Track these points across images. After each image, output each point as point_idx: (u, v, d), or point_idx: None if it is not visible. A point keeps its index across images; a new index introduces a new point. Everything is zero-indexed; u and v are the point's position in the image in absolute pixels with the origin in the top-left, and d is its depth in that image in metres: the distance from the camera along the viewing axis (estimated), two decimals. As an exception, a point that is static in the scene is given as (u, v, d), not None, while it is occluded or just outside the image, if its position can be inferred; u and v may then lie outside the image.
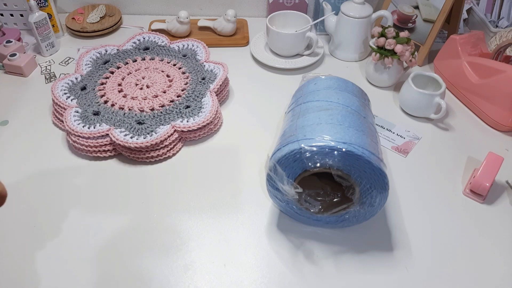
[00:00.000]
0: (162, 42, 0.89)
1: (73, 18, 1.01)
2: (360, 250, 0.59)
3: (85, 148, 0.69)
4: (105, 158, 0.71)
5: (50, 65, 0.91)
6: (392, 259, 0.58)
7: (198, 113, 0.74)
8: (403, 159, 0.73)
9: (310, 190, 0.59)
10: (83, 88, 0.78)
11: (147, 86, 0.79)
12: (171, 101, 0.76)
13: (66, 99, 0.75)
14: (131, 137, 0.69)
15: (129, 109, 0.74)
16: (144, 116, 0.73)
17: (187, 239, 0.60)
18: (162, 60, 0.85)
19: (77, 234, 0.60)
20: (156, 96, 0.77)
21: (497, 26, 1.00)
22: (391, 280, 0.56)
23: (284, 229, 0.62)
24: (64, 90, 0.77)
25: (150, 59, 0.85)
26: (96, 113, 0.74)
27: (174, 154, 0.72)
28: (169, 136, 0.70)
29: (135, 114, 0.74)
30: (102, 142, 0.69)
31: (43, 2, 0.92)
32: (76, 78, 0.80)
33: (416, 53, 0.85)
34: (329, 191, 0.60)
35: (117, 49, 0.86)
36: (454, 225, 0.63)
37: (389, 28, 0.82)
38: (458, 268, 0.58)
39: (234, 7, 1.04)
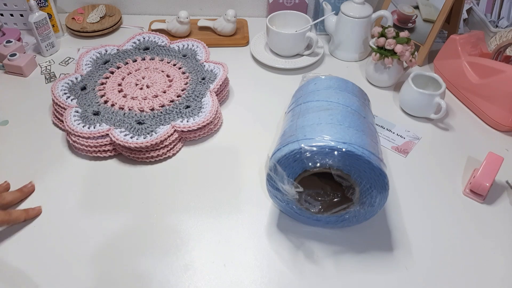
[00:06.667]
0: (162, 42, 0.89)
1: (73, 18, 1.01)
2: (360, 250, 0.59)
3: (85, 148, 0.69)
4: (105, 158, 0.71)
5: (50, 65, 0.92)
6: (392, 259, 0.58)
7: (198, 113, 0.74)
8: (403, 159, 0.73)
9: (310, 190, 0.59)
10: (83, 88, 0.78)
11: (147, 86, 0.79)
12: (171, 101, 0.76)
13: (66, 99, 0.75)
14: (131, 137, 0.69)
15: (129, 109, 0.74)
16: (144, 116, 0.73)
17: (187, 239, 0.60)
18: (162, 60, 0.85)
19: (77, 234, 0.60)
20: (156, 96, 0.77)
21: (497, 26, 1.00)
22: (391, 280, 0.56)
23: (284, 229, 0.62)
24: (64, 90, 0.77)
25: (150, 59, 0.85)
26: (96, 113, 0.74)
27: (174, 154, 0.72)
28: (169, 136, 0.70)
29: (135, 114, 0.74)
30: (102, 142, 0.69)
31: (43, 2, 0.92)
32: (76, 78, 0.80)
33: (416, 53, 0.85)
34: (329, 191, 0.60)
35: (117, 49, 0.86)
36: (454, 225, 0.63)
37: (389, 28, 0.82)
38: (458, 268, 0.58)
39: (234, 7, 1.04)
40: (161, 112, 0.74)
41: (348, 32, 0.91)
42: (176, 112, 0.74)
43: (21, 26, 1.00)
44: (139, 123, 0.72)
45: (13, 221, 0.60)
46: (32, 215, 0.62)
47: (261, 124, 0.78)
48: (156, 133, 0.70)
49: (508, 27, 0.97)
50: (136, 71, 0.82)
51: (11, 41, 0.90)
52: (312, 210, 0.58)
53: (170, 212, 0.63)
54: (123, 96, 0.77)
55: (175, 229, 0.61)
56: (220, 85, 0.79)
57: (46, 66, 0.91)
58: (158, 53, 0.86)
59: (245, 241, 0.60)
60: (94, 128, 0.70)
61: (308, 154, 0.52)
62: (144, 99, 0.76)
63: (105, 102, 0.76)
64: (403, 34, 0.82)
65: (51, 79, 0.88)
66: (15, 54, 0.87)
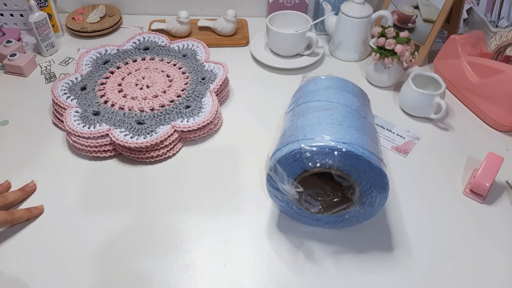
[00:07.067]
0: (162, 42, 0.89)
1: (73, 18, 1.01)
2: (360, 250, 0.59)
3: (85, 148, 0.69)
4: (105, 158, 0.71)
5: (50, 65, 0.92)
6: (392, 259, 0.58)
7: (198, 113, 0.74)
8: (403, 159, 0.73)
9: (310, 190, 0.59)
10: (83, 88, 0.79)
11: (147, 86, 0.79)
12: (171, 101, 0.76)
13: (66, 99, 0.75)
14: (131, 137, 0.69)
15: (129, 109, 0.74)
16: (144, 116, 0.73)
17: (187, 239, 0.60)
18: (162, 60, 0.85)
19: (77, 234, 0.60)
20: (156, 96, 0.77)
21: (497, 26, 1.00)
22: (391, 280, 0.56)
23: (284, 229, 0.62)
24: (64, 90, 0.77)
25: (150, 59, 0.85)
26: (96, 113, 0.74)
27: (174, 154, 0.72)
28: (169, 136, 0.70)
29: (135, 114, 0.74)
30: (102, 142, 0.69)
31: (43, 2, 0.92)
32: (76, 78, 0.80)
33: (416, 53, 0.85)
34: (329, 191, 0.60)
35: (117, 49, 0.86)
36: (454, 225, 0.63)
37: (389, 28, 0.82)
38: (458, 268, 0.58)
39: (234, 7, 1.04)
40: (161, 112, 0.74)
41: (348, 32, 0.91)
42: (176, 112, 0.74)
43: (21, 26, 1.00)
44: (139, 123, 0.72)
45: (16, 221, 0.60)
46: (35, 214, 0.62)
47: (261, 124, 0.78)
48: (156, 133, 0.70)
49: (508, 27, 0.97)
50: (136, 71, 0.82)
51: (11, 41, 0.90)
52: (312, 210, 0.58)
53: (170, 212, 0.63)
54: (123, 96, 0.77)
55: (175, 229, 0.61)
56: (220, 85, 0.79)
57: (46, 66, 0.91)
58: (158, 53, 0.86)
59: (245, 241, 0.60)
60: (94, 128, 0.70)
61: (308, 154, 0.52)
62: (144, 99, 0.76)
63: (105, 102, 0.76)
64: (403, 34, 0.82)
65: (51, 79, 0.88)
66: (15, 54, 0.87)
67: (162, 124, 0.72)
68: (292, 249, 0.59)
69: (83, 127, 0.70)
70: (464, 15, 1.02)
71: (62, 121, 0.73)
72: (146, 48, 0.88)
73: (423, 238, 0.61)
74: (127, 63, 0.84)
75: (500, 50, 0.79)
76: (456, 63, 0.83)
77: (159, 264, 0.57)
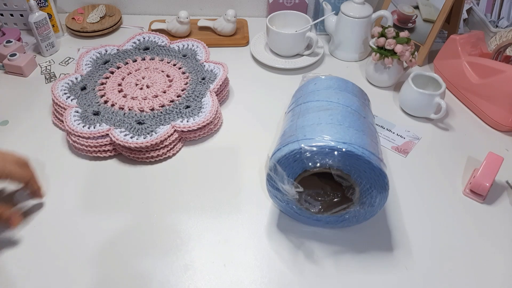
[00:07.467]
0: (162, 42, 0.89)
1: (73, 18, 1.01)
2: (360, 250, 0.59)
3: (85, 148, 0.69)
4: (105, 158, 0.71)
5: (50, 65, 0.92)
6: (392, 259, 0.58)
7: (198, 113, 0.74)
8: (403, 159, 0.73)
9: (310, 190, 0.59)
10: (83, 88, 0.79)
11: (147, 86, 0.79)
12: (171, 101, 0.76)
13: (66, 99, 0.75)
14: (131, 137, 0.69)
15: (129, 109, 0.74)
16: (144, 116, 0.73)
17: (187, 239, 0.60)
18: (162, 60, 0.85)
19: (77, 234, 0.60)
20: (156, 96, 0.77)
21: (497, 26, 1.00)
22: (391, 280, 0.56)
23: (284, 229, 0.62)
24: (64, 90, 0.77)
25: (150, 59, 0.85)
26: (96, 113, 0.74)
27: (174, 154, 0.72)
28: (169, 136, 0.70)
29: (135, 114, 0.74)
30: (102, 142, 0.69)
31: (43, 2, 0.92)
32: (76, 78, 0.80)
33: (416, 53, 0.85)
34: (329, 191, 0.60)
35: (117, 49, 0.86)
36: (454, 225, 0.63)
37: (389, 28, 0.82)
38: (458, 268, 0.58)
39: (234, 7, 1.04)
40: (161, 112, 0.74)
41: (348, 32, 0.91)
42: (176, 112, 0.74)
43: (21, 26, 1.00)
44: (139, 123, 0.72)
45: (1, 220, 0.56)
46: (14, 225, 0.58)
47: (261, 124, 0.78)
48: (156, 133, 0.70)
49: (508, 27, 0.97)
50: (136, 71, 0.82)
51: (11, 41, 0.90)
52: (312, 210, 0.58)
53: (170, 212, 0.63)
54: (123, 96, 0.77)
55: (175, 229, 0.61)
56: (220, 85, 0.79)
57: (46, 66, 0.91)
58: (158, 53, 0.86)
59: (245, 241, 0.60)
60: (94, 128, 0.70)
61: (308, 154, 0.52)
62: (144, 99, 0.76)
63: (105, 102, 0.76)
64: (403, 34, 0.82)
65: (51, 79, 0.88)
66: (15, 54, 0.87)
67: (162, 124, 0.72)
68: (292, 249, 0.59)
69: (83, 127, 0.70)
70: (464, 15, 1.02)
71: (62, 121, 0.73)
72: (146, 48, 0.88)
73: (423, 238, 0.61)
74: (127, 63, 0.84)
75: (500, 50, 0.79)
76: (456, 63, 0.83)
77: (159, 264, 0.57)
